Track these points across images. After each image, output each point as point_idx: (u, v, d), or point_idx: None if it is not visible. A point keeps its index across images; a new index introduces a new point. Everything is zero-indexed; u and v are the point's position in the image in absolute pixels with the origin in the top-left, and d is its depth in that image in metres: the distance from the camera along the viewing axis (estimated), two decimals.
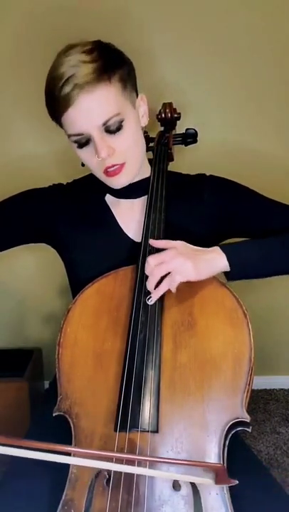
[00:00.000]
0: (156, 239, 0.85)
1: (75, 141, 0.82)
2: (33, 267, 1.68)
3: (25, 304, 1.75)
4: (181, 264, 0.74)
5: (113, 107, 0.79)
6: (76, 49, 0.78)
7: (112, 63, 0.79)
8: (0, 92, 1.47)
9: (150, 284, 0.76)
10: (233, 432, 0.70)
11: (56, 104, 0.78)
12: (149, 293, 0.77)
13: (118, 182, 0.87)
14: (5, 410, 1.53)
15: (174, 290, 0.76)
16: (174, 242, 0.79)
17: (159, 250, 0.80)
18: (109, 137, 0.81)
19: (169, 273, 0.75)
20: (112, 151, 0.81)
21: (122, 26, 1.39)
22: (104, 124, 0.79)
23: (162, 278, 0.76)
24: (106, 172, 0.84)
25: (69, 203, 0.97)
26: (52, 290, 1.68)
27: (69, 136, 0.82)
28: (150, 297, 0.77)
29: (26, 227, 0.96)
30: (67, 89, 0.76)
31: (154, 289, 0.76)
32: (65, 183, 1.01)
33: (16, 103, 1.48)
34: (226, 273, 0.81)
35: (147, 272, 0.76)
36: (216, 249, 0.80)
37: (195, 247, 0.79)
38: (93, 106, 0.77)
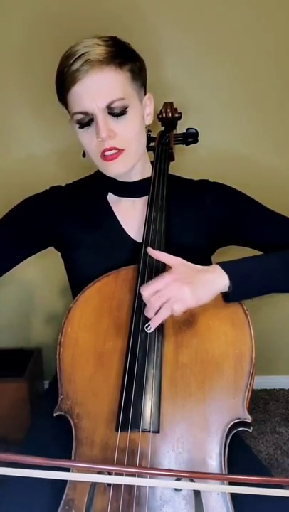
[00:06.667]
0: (157, 238, 0.85)
1: (78, 121, 0.82)
2: (35, 267, 1.67)
3: (27, 304, 1.74)
4: (177, 290, 0.70)
5: (119, 91, 0.79)
6: (93, 37, 0.80)
7: (125, 54, 0.81)
8: (2, 91, 1.46)
9: (149, 314, 0.73)
10: (233, 432, 0.70)
11: (64, 79, 0.79)
12: (147, 320, 0.74)
13: (114, 168, 0.85)
14: (5, 410, 1.53)
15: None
16: (172, 258, 0.76)
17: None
18: (112, 120, 0.81)
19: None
20: (113, 134, 0.81)
21: (123, 26, 1.38)
22: (108, 105, 0.79)
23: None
24: (103, 156, 0.83)
25: (69, 203, 0.96)
26: (53, 290, 1.68)
27: (72, 115, 0.82)
28: (149, 325, 0.73)
29: (36, 237, 0.95)
30: (77, 64, 0.77)
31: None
32: (63, 185, 1.00)
33: (17, 103, 1.47)
34: (224, 294, 0.77)
35: (144, 300, 0.73)
36: (216, 267, 0.76)
37: (193, 265, 0.76)
38: (100, 85, 0.78)
